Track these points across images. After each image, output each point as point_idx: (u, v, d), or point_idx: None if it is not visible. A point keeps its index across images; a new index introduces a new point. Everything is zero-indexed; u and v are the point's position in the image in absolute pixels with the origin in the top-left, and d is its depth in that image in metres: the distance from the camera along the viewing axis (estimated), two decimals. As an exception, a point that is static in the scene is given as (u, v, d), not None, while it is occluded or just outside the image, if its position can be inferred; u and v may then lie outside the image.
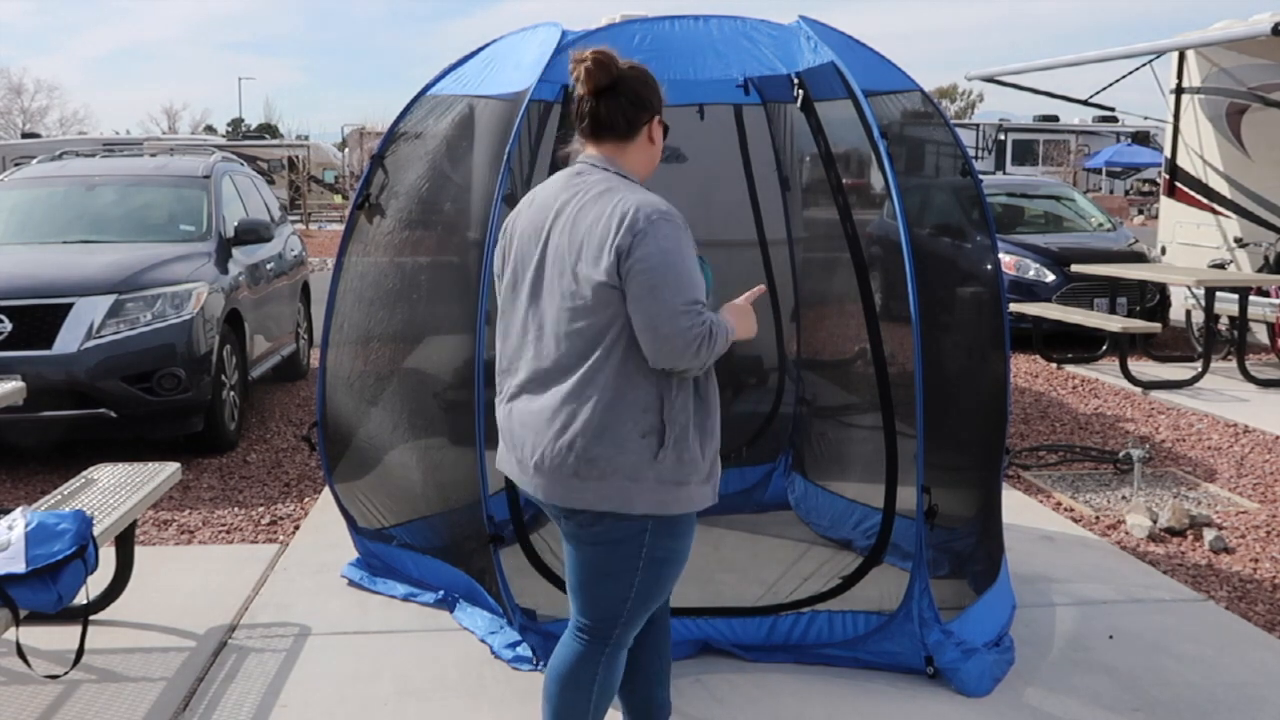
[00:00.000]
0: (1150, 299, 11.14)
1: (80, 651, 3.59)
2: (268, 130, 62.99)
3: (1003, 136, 35.91)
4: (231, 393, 7.14)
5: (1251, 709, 3.67)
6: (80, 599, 3.51)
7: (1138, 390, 8.95)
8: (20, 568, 3.26)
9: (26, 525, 3.37)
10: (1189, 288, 10.24)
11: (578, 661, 2.84)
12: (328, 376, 4.82)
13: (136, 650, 4.09)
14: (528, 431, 2.73)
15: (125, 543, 4.24)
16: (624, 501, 2.65)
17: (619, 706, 3.16)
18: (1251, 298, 9.48)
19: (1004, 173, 30.65)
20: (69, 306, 6.36)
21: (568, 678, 2.84)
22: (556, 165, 4.26)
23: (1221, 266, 10.88)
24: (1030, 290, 10.94)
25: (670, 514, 2.68)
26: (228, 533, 5.50)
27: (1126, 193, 37.22)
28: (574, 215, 2.69)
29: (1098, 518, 5.70)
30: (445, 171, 4.48)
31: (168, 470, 4.49)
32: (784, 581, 4.47)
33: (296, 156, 35.00)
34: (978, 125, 36.62)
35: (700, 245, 2.76)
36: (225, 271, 7.29)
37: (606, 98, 2.75)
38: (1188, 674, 3.90)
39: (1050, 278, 11.01)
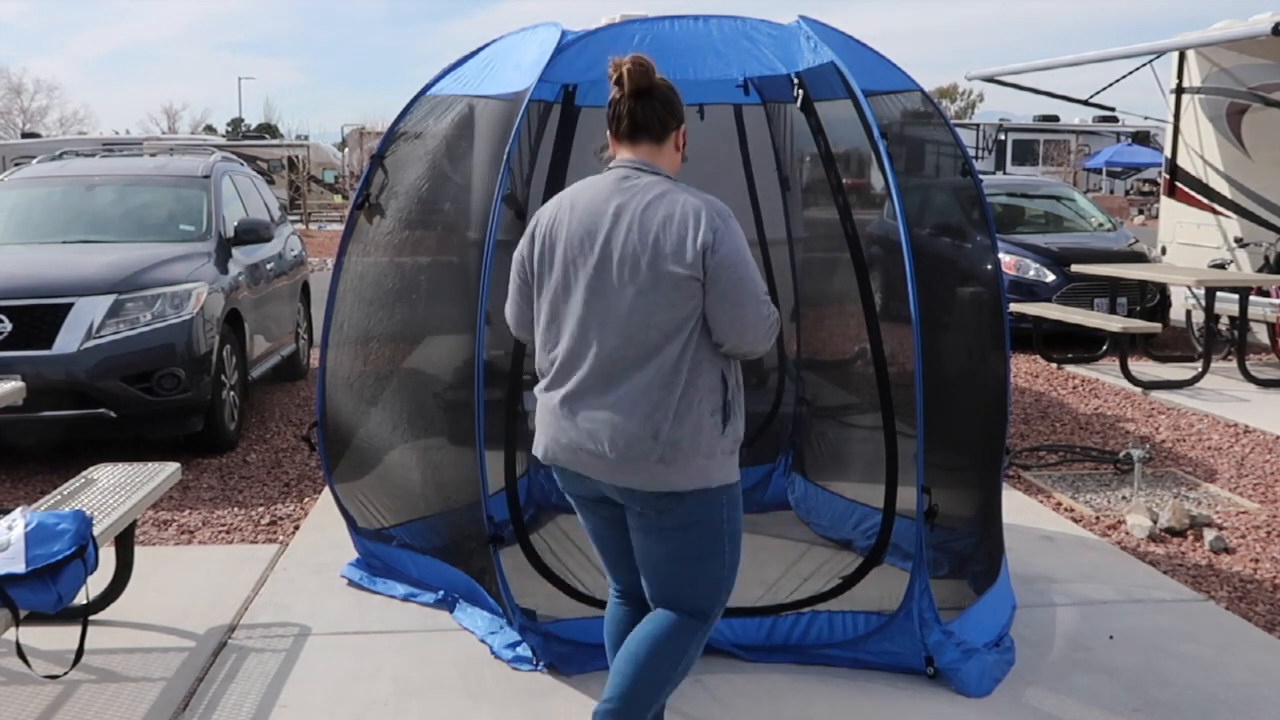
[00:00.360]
0: (1150, 299, 11.14)
1: (80, 651, 3.59)
2: (268, 130, 62.99)
3: (1003, 136, 35.91)
4: (231, 393, 7.14)
5: (1252, 709, 3.67)
6: (80, 599, 3.51)
7: (1138, 390, 8.95)
8: (20, 568, 3.25)
9: (26, 525, 3.36)
10: (1189, 288, 10.24)
11: (676, 632, 2.94)
12: (327, 376, 4.82)
13: (136, 650, 4.09)
14: (602, 424, 2.83)
15: (125, 543, 4.24)
16: (705, 478, 2.83)
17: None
18: (1252, 298, 9.47)
19: (1004, 173, 30.65)
20: (69, 306, 6.36)
21: (663, 648, 2.93)
22: (566, 165, 4.27)
23: (1222, 266, 10.88)
24: (1030, 290, 10.94)
25: (732, 482, 2.90)
26: (228, 533, 5.50)
27: (1127, 193, 37.22)
28: (638, 215, 2.84)
29: (1098, 518, 5.70)
30: (445, 171, 4.48)
31: (168, 470, 4.49)
32: (784, 581, 4.47)
33: (296, 156, 35.01)
34: (978, 125, 36.62)
35: None
36: (225, 271, 7.29)
37: (644, 101, 2.92)
38: (1188, 674, 3.90)
39: (1050, 278, 11.01)
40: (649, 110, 2.93)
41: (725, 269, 2.79)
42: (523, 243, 3.05)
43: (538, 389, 3.05)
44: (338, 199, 36.60)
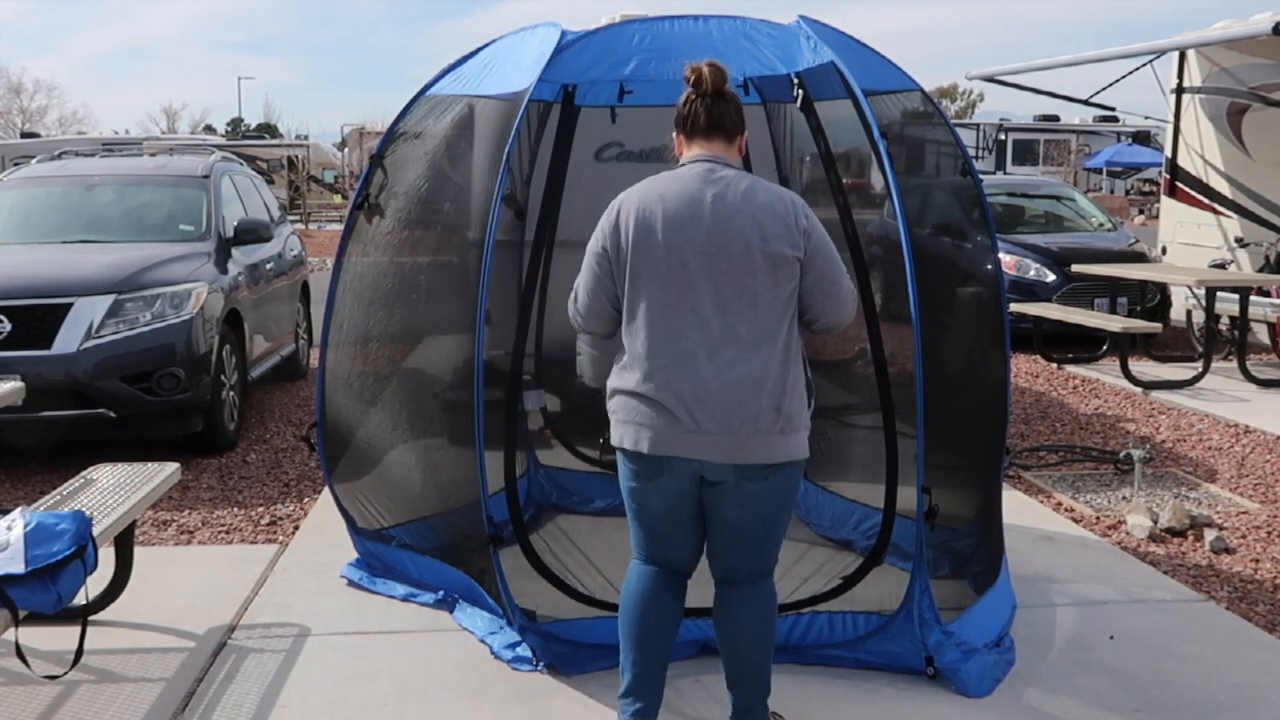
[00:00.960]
0: (1150, 299, 11.14)
1: (79, 652, 3.58)
2: (267, 130, 62.99)
3: (1003, 136, 35.89)
4: (231, 393, 7.14)
5: (1252, 709, 3.66)
6: (80, 599, 3.50)
7: (1138, 390, 8.94)
8: (19, 568, 3.25)
9: (26, 525, 3.36)
10: (1189, 288, 10.24)
11: (770, 595, 3.20)
12: (327, 377, 4.81)
13: (136, 650, 4.09)
14: (729, 404, 2.97)
15: (125, 543, 4.24)
16: (805, 448, 3.10)
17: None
18: (1252, 298, 9.47)
19: (1004, 173, 30.64)
20: (68, 306, 6.35)
21: (771, 619, 3.19)
22: (566, 165, 4.26)
23: (1222, 266, 10.88)
24: (1030, 290, 10.93)
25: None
26: (227, 533, 5.50)
27: (1127, 193, 37.20)
28: (738, 203, 3.01)
29: (1098, 518, 5.69)
30: (445, 171, 4.47)
31: (167, 470, 4.48)
32: (784, 582, 4.44)
33: (296, 156, 35.01)
34: (978, 125, 36.60)
35: None
36: (225, 271, 7.28)
37: (720, 101, 3.12)
38: (1188, 674, 3.90)
39: (1050, 278, 11.01)
40: (724, 110, 3.13)
41: (821, 250, 3.04)
42: (604, 236, 3.12)
43: (628, 381, 3.07)
44: (337, 199, 36.59)
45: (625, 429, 3.09)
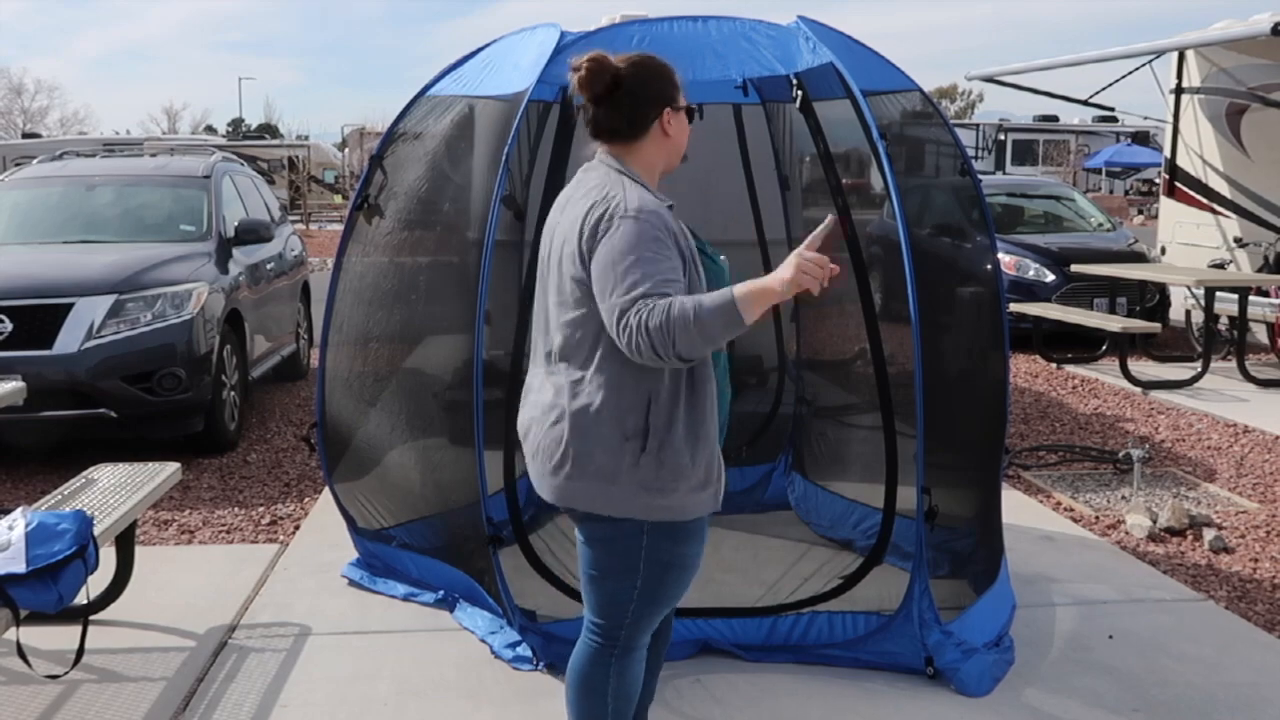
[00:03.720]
0: (1150, 299, 11.14)
1: (80, 651, 3.59)
2: (268, 130, 62.98)
3: (1003, 136, 35.90)
4: (231, 393, 7.14)
5: (1251, 709, 3.67)
6: (80, 599, 3.51)
7: (1138, 390, 8.95)
8: (21, 568, 3.26)
9: (27, 525, 3.37)
10: (1189, 288, 10.24)
11: (589, 663, 2.80)
12: (327, 377, 4.82)
13: (136, 650, 4.10)
14: (531, 424, 2.75)
15: (125, 543, 4.24)
16: (605, 503, 2.62)
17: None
18: (1251, 298, 9.48)
19: (1004, 173, 30.64)
20: (69, 306, 6.36)
21: (582, 681, 2.81)
22: (565, 165, 4.27)
23: (1221, 266, 10.88)
24: (1030, 290, 10.94)
25: (653, 520, 2.62)
26: (228, 533, 5.51)
27: (1126, 193, 37.20)
28: (564, 214, 2.73)
29: (1098, 518, 5.70)
30: (444, 172, 4.48)
31: (168, 470, 4.49)
32: (784, 582, 4.47)
33: (296, 156, 35.01)
34: (978, 125, 36.62)
35: None
36: (225, 271, 7.29)
37: (606, 103, 2.70)
38: (1188, 674, 3.90)
39: (1050, 278, 11.02)
40: (612, 111, 2.71)
41: (594, 270, 2.56)
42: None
43: None
44: (338, 199, 36.59)
45: None
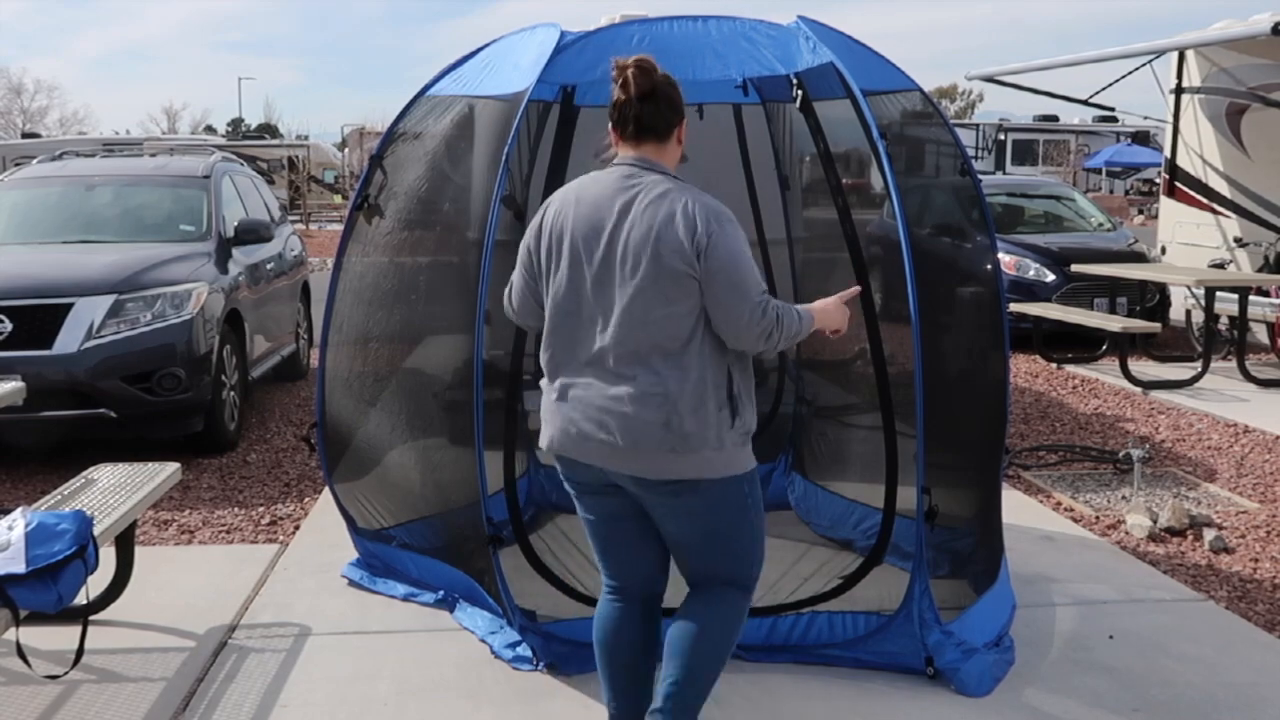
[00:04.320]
0: (1150, 299, 11.14)
1: (80, 651, 3.59)
2: (268, 130, 62.98)
3: (1003, 136, 35.89)
4: (231, 393, 7.14)
5: (1251, 709, 3.67)
6: (80, 599, 3.51)
7: (1138, 390, 8.95)
8: (20, 568, 3.26)
9: (26, 525, 3.37)
10: (1189, 288, 10.24)
11: (739, 617, 3.09)
12: (327, 377, 4.82)
13: (136, 650, 4.09)
14: (613, 415, 2.92)
15: (125, 543, 4.24)
16: (713, 468, 2.94)
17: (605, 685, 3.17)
18: (1251, 298, 9.47)
19: (1004, 173, 30.64)
20: (69, 306, 6.36)
21: (716, 617, 3.05)
22: (565, 165, 4.27)
23: (1221, 266, 10.88)
24: (1030, 290, 10.94)
25: (744, 471, 3.00)
26: (228, 533, 5.51)
27: (1126, 193, 37.20)
28: (642, 213, 2.92)
29: (1098, 518, 5.70)
30: (444, 172, 4.48)
31: (168, 470, 4.49)
32: (784, 582, 4.47)
33: (296, 156, 35.00)
34: (978, 125, 36.60)
35: None
36: (225, 271, 7.29)
37: (648, 102, 2.98)
38: (1188, 674, 3.90)
39: (1050, 278, 11.02)
40: (653, 112, 3.00)
41: (720, 271, 2.88)
42: (529, 234, 3.12)
43: (544, 381, 3.09)
44: (338, 199, 36.59)
45: (543, 427, 3.09)
